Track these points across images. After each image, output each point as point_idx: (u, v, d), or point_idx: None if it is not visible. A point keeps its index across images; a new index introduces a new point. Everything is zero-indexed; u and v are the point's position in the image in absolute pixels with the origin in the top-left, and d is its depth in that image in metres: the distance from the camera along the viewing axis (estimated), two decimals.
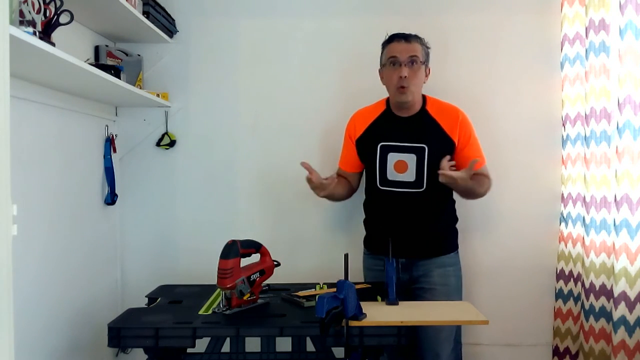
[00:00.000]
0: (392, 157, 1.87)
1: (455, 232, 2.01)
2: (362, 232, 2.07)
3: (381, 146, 1.89)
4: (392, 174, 1.88)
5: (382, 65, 1.91)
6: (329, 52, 2.28)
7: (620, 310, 1.85)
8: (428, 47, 1.90)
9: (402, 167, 1.87)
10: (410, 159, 1.86)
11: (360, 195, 2.08)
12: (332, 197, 1.96)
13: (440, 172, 1.71)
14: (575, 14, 2.16)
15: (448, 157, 1.78)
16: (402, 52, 1.82)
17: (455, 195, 1.99)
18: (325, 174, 1.97)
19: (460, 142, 1.88)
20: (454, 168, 1.77)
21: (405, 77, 1.80)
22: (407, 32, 1.88)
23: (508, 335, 2.30)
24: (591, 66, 2.02)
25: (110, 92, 1.91)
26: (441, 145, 1.86)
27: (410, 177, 1.86)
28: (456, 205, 2.03)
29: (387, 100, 1.97)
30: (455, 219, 2.02)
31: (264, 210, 2.31)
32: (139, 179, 2.30)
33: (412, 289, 1.91)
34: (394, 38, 1.86)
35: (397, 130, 1.90)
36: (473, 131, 1.92)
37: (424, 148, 1.85)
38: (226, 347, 1.57)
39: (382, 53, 1.91)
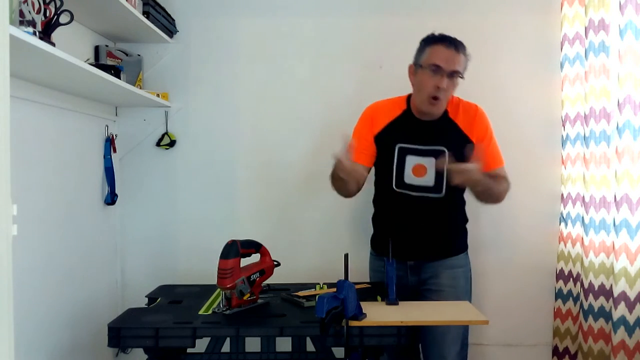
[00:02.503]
0: (411, 160, 1.79)
1: (465, 232, 1.95)
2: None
3: (399, 148, 1.80)
4: (409, 178, 1.80)
5: (419, 65, 1.74)
6: (329, 51, 2.28)
7: (620, 310, 1.85)
8: (469, 59, 1.75)
9: (420, 171, 1.79)
10: (429, 163, 1.78)
11: (361, 195, 2.07)
12: (344, 187, 1.82)
13: (451, 167, 1.60)
14: (575, 14, 2.16)
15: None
16: (448, 62, 1.68)
17: (466, 195, 1.94)
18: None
19: (476, 138, 1.80)
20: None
21: (444, 88, 1.68)
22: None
23: (508, 335, 2.30)
24: (591, 66, 2.02)
25: (110, 92, 1.91)
26: (460, 146, 1.75)
27: (429, 182, 1.78)
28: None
29: (407, 99, 1.86)
30: (466, 219, 1.96)
31: (264, 210, 2.31)
32: (139, 179, 2.30)
33: (420, 291, 1.87)
34: (442, 41, 1.69)
35: (416, 132, 1.80)
36: (489, 129, 1.84)
37: (443, 151, 1.76)
38: (226, 347, 1.57)
39: (421, 51, 1.75)
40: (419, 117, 1.82)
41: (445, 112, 1.81)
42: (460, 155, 1.73)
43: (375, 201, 1.98)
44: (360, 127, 1.88)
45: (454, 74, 1.70)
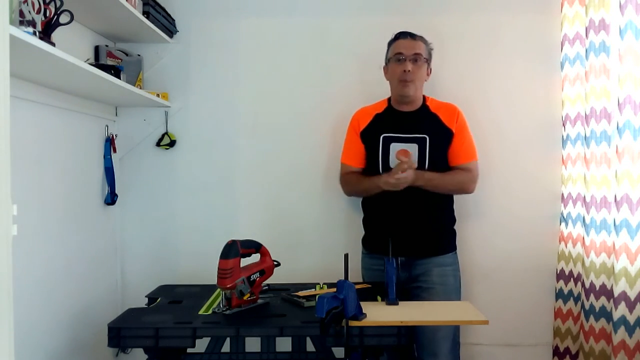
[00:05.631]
0: (395, 147, 1.91)
1: (454, 233, 2.02)
2: (362, 232, 2.07)
3: (383, 137, 1.93)
4: (394, 163, 1.88)
5: (387, 60, 1.98)
6: (329, 51, 2.28)
7: (620, 310, 1.85)
8: (431, 48, 1.98)
9: (404, 155, 1.89)
10: (412, 149, 1.90)
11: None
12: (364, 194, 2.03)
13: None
14: (575, 14, 2.16)
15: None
16: (407, 49, 1.91)
17: (456, 196, 2.01)
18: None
19: (456, 130, 1.95)
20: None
21: (409, 71, 1.88)
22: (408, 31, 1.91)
23: (508, 335, 2.30)
24: (591, 66, 2.01)
25: (110, 92, 1.91)
26: (441, 135, 1.93)
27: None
28: (456, 206, 2.03)
29: (389, 99, 2.03)
30: (454, 220, 2.03)
31: (264, 210, 2.31)
32: (139, 179, 2.30)
33: (411, 288, 1.91)
34: (400, 36, 1.95)
35: (399, 122, 1.96)
36: (467, 127, 1.99)
37: (425, 138, 1.91)
38: (226, 347, 1.57)
39: (387, 50, 1.99)
40: (400, 109, 1.98)
41: (426, 107, 1.99)
42: (440, 144, 1.92)
43: (363, 201, 2.06)
44: (349, 132, 2.06)
45: (416, 58, 1.90)
